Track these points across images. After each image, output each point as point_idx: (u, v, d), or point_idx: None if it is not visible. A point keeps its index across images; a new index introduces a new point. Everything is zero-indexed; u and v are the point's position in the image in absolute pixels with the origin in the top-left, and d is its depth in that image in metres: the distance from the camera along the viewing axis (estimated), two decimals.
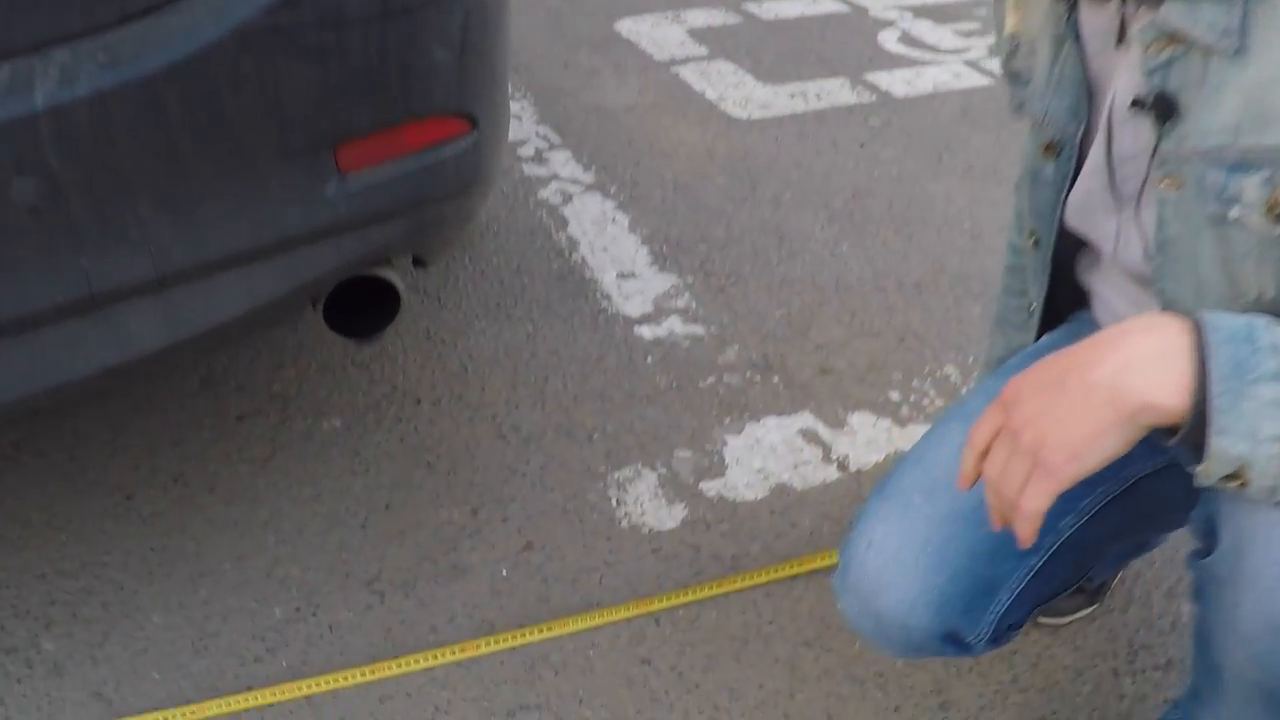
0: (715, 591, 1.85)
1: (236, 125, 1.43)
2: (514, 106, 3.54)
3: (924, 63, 3.96)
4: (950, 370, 2.37)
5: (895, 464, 1.34)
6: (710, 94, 3.65)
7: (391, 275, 1.68)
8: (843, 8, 4.46)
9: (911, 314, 2.55)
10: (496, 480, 2.07)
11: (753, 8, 4.41)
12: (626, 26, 4.21)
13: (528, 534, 1.96)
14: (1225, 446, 0.88)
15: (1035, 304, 1.44)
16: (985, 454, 0.99)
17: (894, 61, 3.96)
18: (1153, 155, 1.10)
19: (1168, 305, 1.16)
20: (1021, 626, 1.36)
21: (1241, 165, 1.01)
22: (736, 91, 3.67)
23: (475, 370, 2.34)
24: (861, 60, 3.96)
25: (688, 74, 3.80)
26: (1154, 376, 0.88)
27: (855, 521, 1.31)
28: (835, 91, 3.70)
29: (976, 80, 3.82)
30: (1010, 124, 3.45)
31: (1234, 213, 1.03)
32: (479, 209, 1.84)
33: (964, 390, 2.31)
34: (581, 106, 3.55)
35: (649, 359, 2.39)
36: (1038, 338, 1.46)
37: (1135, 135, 1.13)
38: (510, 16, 1.78)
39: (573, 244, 2.78)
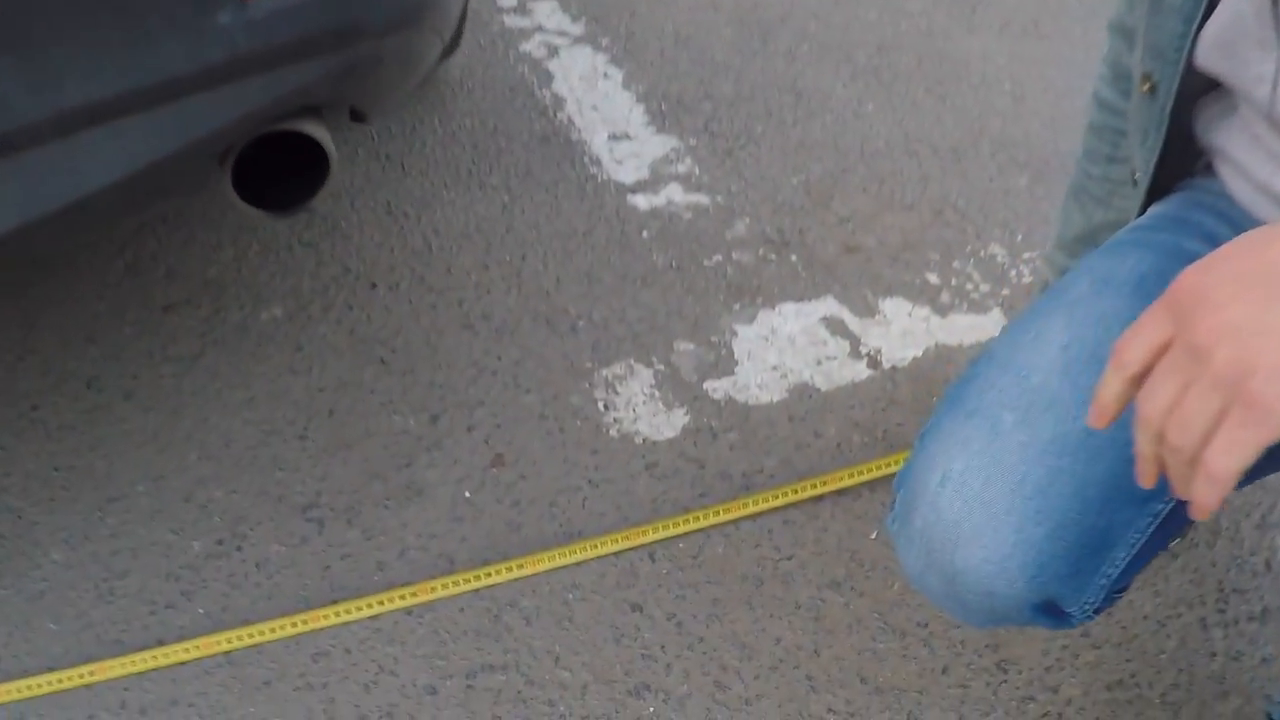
0: (723, 518, 1.54)
1: None
2: None
3: None
4: (996, 250, 2.04)
5: (973, 367, 1.01)
6: None
7: (316, 130, 1.33)
8: None
9: (949, 184, 2.20)
10: (461, 380, 1.75)
11: None
12: None
13: (497, 445, 1.64)
14: None
15: (1141, 172, 1.12)
16: (1141, 377, 0.66)
17: None
18: None
19: None
20: (1129, 589, 1.05)
21: None
22: None
23: (441, 248, 2.00)
24: None
25: None
26: None
27: (921, 443, 0.99)
28: None
29: None
30: None
31: None
32: (429, 50, 1.49)
33: (1013, 274, 1.98)
34: None
35: (644, 233, 2.05)
36: (1144, 206, 1.14)
37: None
38: None
39: (558, 102, 2.42)
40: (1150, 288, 1.00)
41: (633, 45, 2.62)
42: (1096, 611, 0.99)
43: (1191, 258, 0.94)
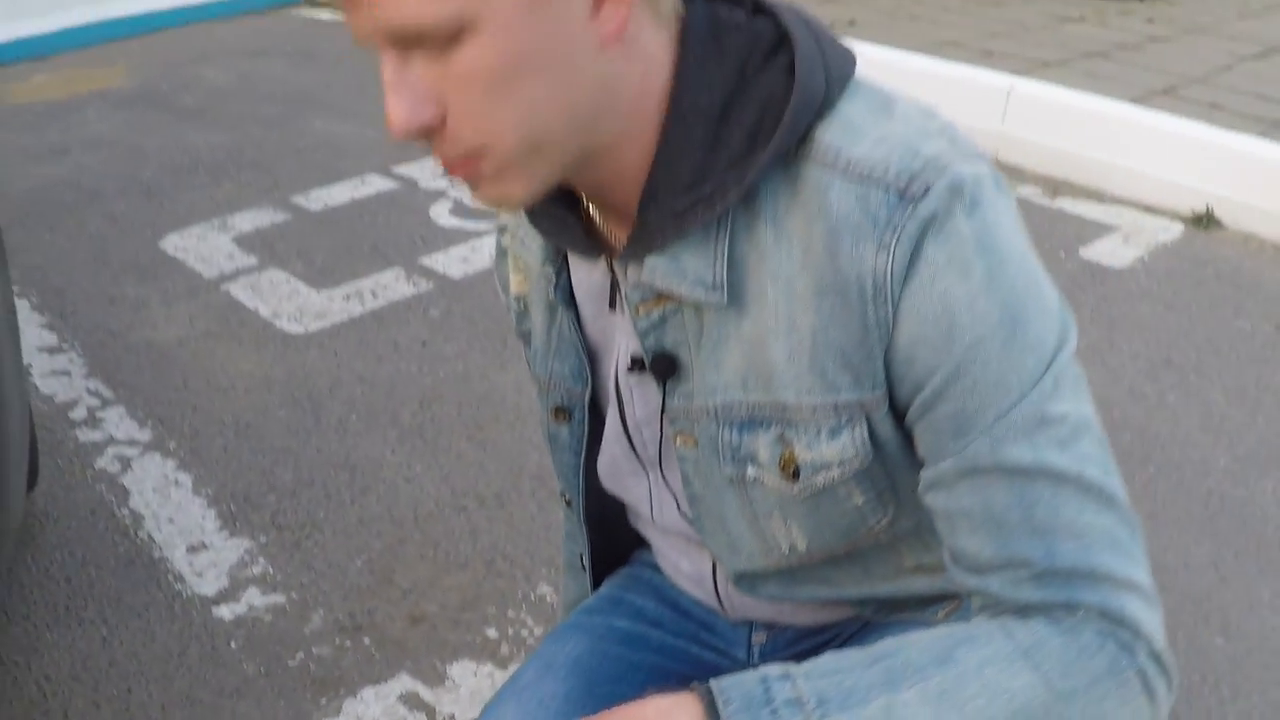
0: None
1: None
2: (61, 359, 3.31)
3: (478, 234, 3.97)
4: (545, 590, 2.35)
5: None
6: (264, 310, 3.52)
7: None
8: (391, 184, 4.43)
9: (496, 532, 2.52)
10: None
11: (300, 200, 4.29)
12: (173, 243, 3.99)
13: None
14: None
15: (585, 556, 1.37)
16: None
17: (448, 238, 3.95)
18: (662, 414, 1.05)
19: (713, 557, 1.15)
20: None
21: (752, 422, 0.97)
22: (290, 303, 3.55)
23: (54, 694, 2.13)
24: (415, 242, 3.93)
25: (239, 291, 3.64)
26: None
27: None
28: (391, 284, 3.65)
29: None
30: None
31: (751, 472, 1.00)
32: None
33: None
34: (131, 348, 3.35)
35: (232, 644, 2.25)
36: (595, 584, 1.40)
37: (645, 398, 1.07)
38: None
39: (137, 520, 2.60)
40: (585, 668, 1.24)
41: (198, 444, 2.85)
42: None
43: (622, 636, 1.27)
